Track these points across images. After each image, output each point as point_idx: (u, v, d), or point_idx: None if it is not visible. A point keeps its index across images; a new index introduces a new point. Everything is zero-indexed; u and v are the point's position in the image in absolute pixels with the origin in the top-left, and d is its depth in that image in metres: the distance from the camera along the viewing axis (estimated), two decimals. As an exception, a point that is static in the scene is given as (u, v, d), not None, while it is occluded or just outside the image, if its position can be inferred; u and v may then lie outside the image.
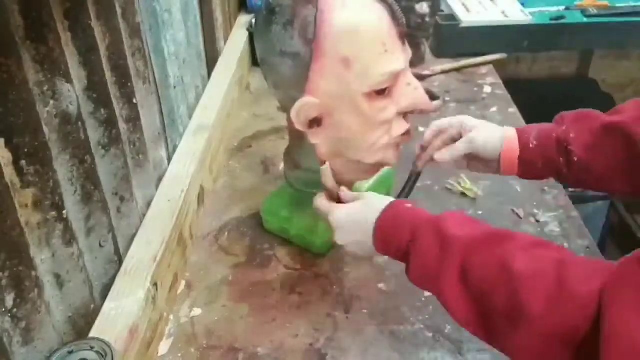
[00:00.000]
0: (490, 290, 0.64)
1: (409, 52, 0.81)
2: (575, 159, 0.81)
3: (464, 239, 0.68)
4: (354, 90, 0.78)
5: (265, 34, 0.83)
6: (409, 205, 0.75)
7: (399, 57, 0.78)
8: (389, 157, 0.85)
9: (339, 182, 0.86)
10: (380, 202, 0.77)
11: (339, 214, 0.80)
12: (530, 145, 0.84)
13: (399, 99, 0.81)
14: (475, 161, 0.89)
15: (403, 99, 0.81)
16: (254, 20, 1.53)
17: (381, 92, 0.79)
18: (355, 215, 0.78)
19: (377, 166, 0.88)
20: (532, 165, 0.84)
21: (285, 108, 0.87)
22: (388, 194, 1.07)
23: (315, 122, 0.81)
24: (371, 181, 1.01)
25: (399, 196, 0.88)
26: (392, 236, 0.74)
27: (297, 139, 0.91)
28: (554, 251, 0.65)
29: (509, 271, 0.63)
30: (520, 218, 1.03)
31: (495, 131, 0.87)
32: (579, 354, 0.58)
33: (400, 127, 0.83)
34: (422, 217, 0.72)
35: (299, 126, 0.82)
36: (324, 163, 0.84)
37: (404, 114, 0.83)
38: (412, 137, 0.85)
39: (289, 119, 0.92)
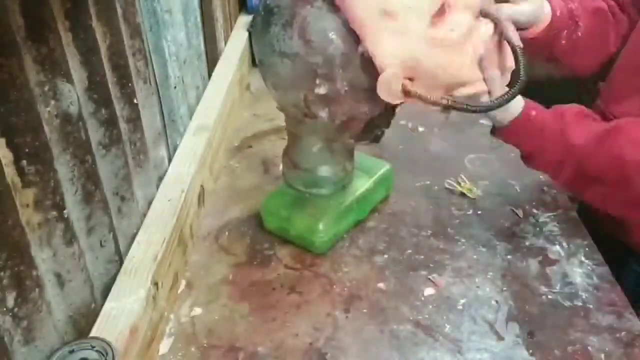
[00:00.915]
0: (603, 172, 0.85)
1: (444, 30, 0.76)
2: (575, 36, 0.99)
3: (582, 139, 0.87)
4: (415, 30, 0.75)
5: (263, 34, 0.81)
6: (534, 112, 0.88)
7: (404, 27, 0.74)
8: (492, 66, 0.82)
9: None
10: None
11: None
12: (557, 14, 0.97)
13: (463, 3, 0.77)
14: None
15: (459, 3, 0.77)
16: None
17: (440, 14, 0.76)
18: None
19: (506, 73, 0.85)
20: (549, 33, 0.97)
21: (284, 109, 0.87)
22: (387, 194, 1.07)
23: (405, 92, 0.77)
24: (370, 182, 1.02)
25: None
26: (520, 141, 0.90)
27: (295, 138, 0.91)
28: None
29: (616, 146, 0.84)
30: (520, 218, 1.04)
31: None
32: None
33: (486, 28, 0.80)
34: (547, 126, 0.88)
35: (395, 99, 0.77)
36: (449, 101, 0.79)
37: (478, 14, 0.80)
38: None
39: (286, 119, 0.92)
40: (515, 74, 0.82)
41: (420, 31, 0.75)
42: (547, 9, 0.96)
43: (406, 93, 0.77)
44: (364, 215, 1.03)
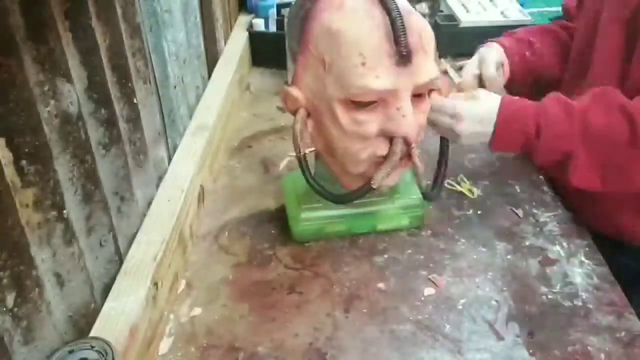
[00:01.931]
0: (614, 134, 0.86)
1: (412, 76, 0.76)
2: (536, 45, 1.14)
3: (580, 105, 0.90)
4: (330, 94, 0.77)
5: (287, 25, 0.87)
6: (521, 101, 0.92)
7: (379, 75, 0.74)
8: (371, 171, 0.83)
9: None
10: (494, 99, 0.92)
11: (463, 105, 0.91)
12: (516, 60, 1.12)
13: (384, 120, 0.78)
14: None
15: (387, 122, 0.78)
16: (254, 21, 1.54)
17: (362, 105, 0.77)
18: (478, 109, 0.91)
19: (367, 178, 0.84)
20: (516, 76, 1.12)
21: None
22: (413, 224, 1.01)
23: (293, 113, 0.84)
24: (382, 205, 0.98)
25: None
26: (517, 125, 0.90)
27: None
28: None
29: (625, 110, 0.86)
30: (520, 218, 1.04)
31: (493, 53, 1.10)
32: None
33: (380, 148, 0.80)
34: (539, 104, 0.91)
35: (287, 110, 0.84)
36: (303, 156, 0.86)
37: (390, 137, 0.79)
38: (410, 165, 0.84)
39: None
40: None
41: (332, 95, 0.78)
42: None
43: (294, 113, 0.84)
44: (367, 229, 1.00)
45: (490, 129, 0.91)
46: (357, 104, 0.77)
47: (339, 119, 0.78)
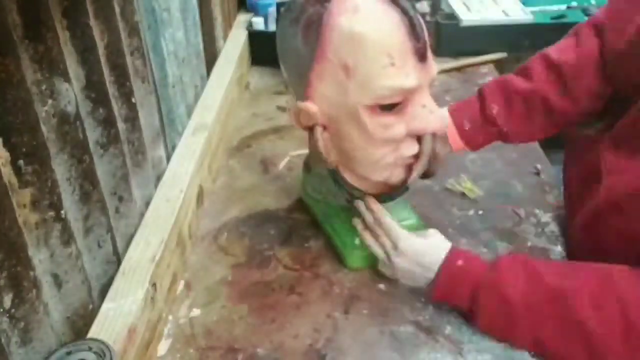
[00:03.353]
0: (569, 353, 0.73)
1: (429, 71, 0.76)
2: (505, 129, 0.94)
3: (526, 305, 0.75)
4: (354, 101, 0.75)
5: (279, 29, 0.83)
6: (461, 262, 0.80)
7: (408, 73, 0.73)
8: (396, 176, 0.82)
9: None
10: (433, 254, 0.82)
11: (407, 240, 0.83)
12: (466, 128, 0.95)
13: (410, 120, 0.77)
14: None
15: (415, 120, 0.76)
16: (253, 20, 1.53)
17: (388, 108, 0.75)
18: (411, 265, 0.83)
19: (387, 185, 0.84)
20: (474, 140, 0.96)
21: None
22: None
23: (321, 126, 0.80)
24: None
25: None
26: (451, 298, 0.81)
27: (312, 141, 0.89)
28: (616, 291, 0.71)
29: (582, 332, 0.71)
30: (521, 218, 1.03)
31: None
32: None
33: (410, 148, 0.80)
34: (478, 277, 0.78)
35: (299, 126, 0.81)
36: (337, 168, 0.83)
37: (417, 136, 0.79)
38: (428, 160, 0.83)
39: None
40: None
41: (357, 102, 0.75)
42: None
43: (309, 130, 0.81)
44: None
45: (430, 275, 0.82)
46: (383, 108, 0.75)
47: (366, 125, 0.76)
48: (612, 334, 0.69)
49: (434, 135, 0.82)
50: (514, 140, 0.97)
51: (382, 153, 0.79)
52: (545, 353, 0.76)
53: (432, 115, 0.77)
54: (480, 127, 0.95)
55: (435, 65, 0.78)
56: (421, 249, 0.83)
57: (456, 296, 0.80)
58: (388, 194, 0.87)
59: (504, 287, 0.76)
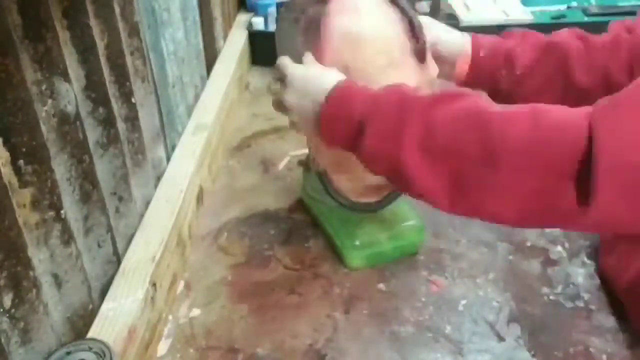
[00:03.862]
0: (460, 142, 0.60)
1: (429, 71, 0.75)
2: (518, 72, 0.85)
3: (424, 99, 0.64)
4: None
5: (278, 29, 0.82)
6: (357, 85, 0.69)
7: (408, 73, 0.73)
8: None
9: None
10: (332, 76, 0.71)
11: (295, 70, 0.74)
12: (480, 54, 0.86)
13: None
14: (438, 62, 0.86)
15: None
16: (253, 20, 1.53)
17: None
18: (311, 78, 0.72)
19: (380, 187, 0.84)
20: (478, 72, 0.87)
21: None
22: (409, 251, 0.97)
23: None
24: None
25: None
26: (341, 114, 0.68)
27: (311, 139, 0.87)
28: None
29: (480, 117, 0.59)
30: (521, 218, 1.03)
31: (458, 36, 0.87)
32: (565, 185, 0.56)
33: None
34: (378, 91, 0.67)
35: (297, 130, 0.80)
36: (324, 171, 0.82)
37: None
38: None
39: None
40: None
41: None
42: (467, 47, 0.87)
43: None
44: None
45: (316, 108, 0.70)
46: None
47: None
48: (515, 127, 0.59)
49: None
50: (514, 91, 0.86)
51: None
52: (433, 144, 0.62)
53: None
54: (496, 58, 0.86)
55: (434, 66, 0.78)
56: (311, 74, 0.73)
57: (349, 110, 0.67)
58: (383, 200, 0.86)
59: (404, 88, 0.66)
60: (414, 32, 0.72)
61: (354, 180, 0.83)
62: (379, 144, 0.65)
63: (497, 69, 0.86)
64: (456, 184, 0.61)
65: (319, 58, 0.75)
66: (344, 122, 0.67)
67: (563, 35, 0.87)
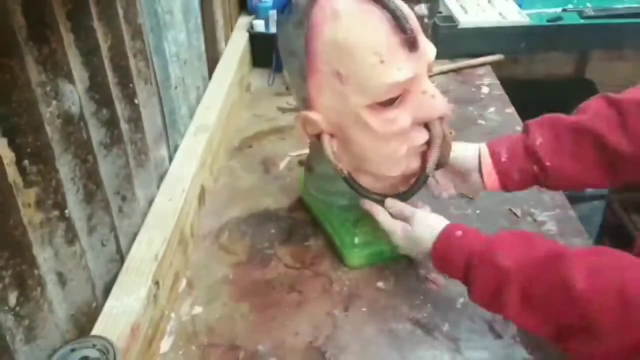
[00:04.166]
0: (556, 312, 0.66)
1: (424, 57, 0.75)
2: (548, 164, 0.83)
3: (518, 266, 0.69)
4: (353, 105, 0.75)
5: (281, 32, 0.82)
6: (460, 232, 0.77)
7: (400, 67, 0.73)
8: (413, 166, 0.81)
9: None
10: (432, 226, 0.80)
11: (397, 232, 0.84)
12: (502, 160, 0.86)
13: (414, 108, 0.76)
14: (459, 179, 0.91)
15: (419, 108, 0.76)
16: (254, 22, 1.54)
17: (388, 103, 0.75)
18: (412, 236, 0.82)
19: (405, 178, 0.84)
20: (509, 177, 0.87)
21: (298, 108, 0.86)
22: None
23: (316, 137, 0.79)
24: None
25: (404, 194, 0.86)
26: (447, 266, 0.78)
27: (314, 141, 0.87)
28: (609, 257, 0.66)
29: (571, 291, 0.64)
30: (518, 217, 1.04)
31: (469, 147, 0.89)
32: None
33: (419, 136, 0.79)
34: (474, 247, 0.74)
35: (306, 136, 0.81)
36: (348, 174, 0.82)
37: (424, 123, 0.78)
38: (446, 145, 0.80)
39: None
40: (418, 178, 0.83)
41: (357, 105, 0.75)
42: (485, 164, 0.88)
43: (316, 139, 0.81)
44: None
45: (427, 249, 0.80)
46: (383, 104, 0.75)
47: (370, 125, 0.76)
48: (604, 302, 0.62)
49: (441, 118, 0.79)
50: (557, 182, 0.85)
51: (394, 147, 0.78)
52: (532, 313, 0.69)
53: (435, 100, 0.76)
54: (519, 159, 0.85)
55: (431, 48, 0.77)
56: (410, 234, 0.82)
57: (452, 266, 0.77)
58: (409, 189, 0.85)
59: (498, 255, 0.71)
60: (399, 24, 0.71)
61: (379, 178, 0.84)
62: (484, 302, 0.75)
63: (526, 169, 0.85)
64: (559, 335, 0.67)
65: (312, 69, 0.75)
66: (453, 270, 0.78)
67: (592, 111, 0.83)
